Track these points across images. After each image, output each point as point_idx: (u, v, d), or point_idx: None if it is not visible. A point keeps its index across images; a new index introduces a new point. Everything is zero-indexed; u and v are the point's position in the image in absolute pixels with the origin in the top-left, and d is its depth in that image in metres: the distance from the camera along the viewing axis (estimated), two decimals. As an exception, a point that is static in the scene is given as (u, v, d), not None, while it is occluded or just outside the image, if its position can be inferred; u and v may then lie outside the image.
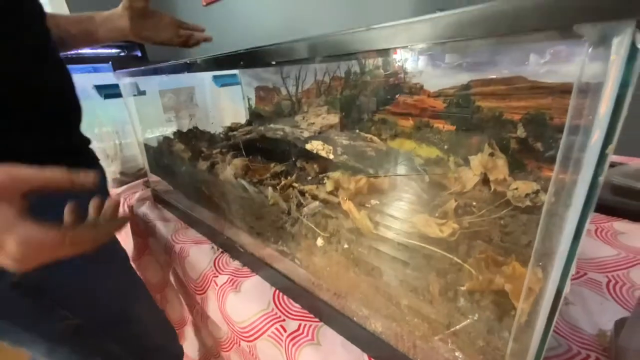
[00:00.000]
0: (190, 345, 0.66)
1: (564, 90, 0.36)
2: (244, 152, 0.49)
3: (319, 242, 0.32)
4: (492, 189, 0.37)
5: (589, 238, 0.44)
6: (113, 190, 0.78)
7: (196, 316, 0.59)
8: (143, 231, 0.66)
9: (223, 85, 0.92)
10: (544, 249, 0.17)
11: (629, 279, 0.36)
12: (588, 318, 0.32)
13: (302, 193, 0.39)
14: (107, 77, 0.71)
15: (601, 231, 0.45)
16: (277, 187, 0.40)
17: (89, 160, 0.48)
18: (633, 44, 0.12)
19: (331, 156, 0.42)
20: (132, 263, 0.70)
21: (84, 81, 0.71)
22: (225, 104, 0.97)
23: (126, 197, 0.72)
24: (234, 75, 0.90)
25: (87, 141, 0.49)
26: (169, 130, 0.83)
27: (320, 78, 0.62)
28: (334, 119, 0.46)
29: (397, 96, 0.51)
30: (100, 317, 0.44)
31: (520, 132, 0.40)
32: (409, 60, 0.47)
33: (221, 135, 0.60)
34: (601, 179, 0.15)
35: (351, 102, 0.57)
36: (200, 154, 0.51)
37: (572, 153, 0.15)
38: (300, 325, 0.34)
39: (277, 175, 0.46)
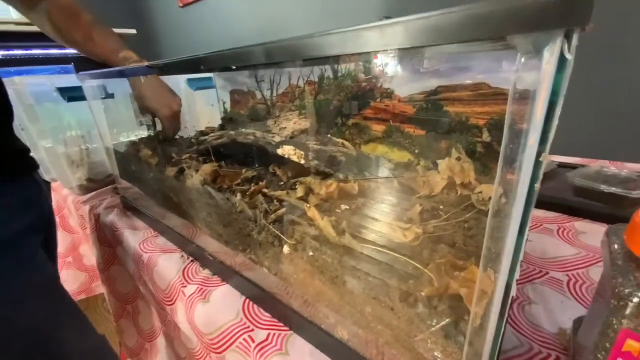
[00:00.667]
0: (162, 357, 0.63)
1: (523, 97, 0.37)
2: (213, 158, 0.47)
3: (286, 249, 0.31)
4: (459, 192, 0.38)
5: (550, 238, 0.46)
6: (78, 198, 0.74)
7: (168, 327, 0.57)
8: (110, 240, 0.64)
9: (198, 88, 0.90)
10: (490, 251, 0.17)
11: (589, 277, 0.37)
12: (549, 317, 0.33)
13: (271, 199, 0.38)
14: (72, 78, 0.68)
15: (562, 231, 0.47)
16: (246, 194, 0.39)
17: (25, 169, 0.46)
18: (562, 54, 0.12)
19: (302, 161, 0.42)
20: (99, 273, 0.67)
21: (46, 83, 0.67)
22: (200, 108, 0.95)
23: (93, 205, 0.69)
24: (209, 78, 0.88)
25: (25, 149, 0.47)
26: (142, 134, 0.80)
27: (295, 82, 0.62)
28: (305, 123, 0.46)
29: (369, 101, 0.52)
30: (18, 347, 0.40)
31: (485, 136, 0.41)
32: (381, 66, 0.48)
33: (192, 140, 0.58)
34: (537, 185, 0.15)
35: (324, 107, 0.57)
36: (169, 159, 0.50)
37: (512, 157, 0.15)
38: (269, 334, 0.33)
39: (248, 180, 0.45)
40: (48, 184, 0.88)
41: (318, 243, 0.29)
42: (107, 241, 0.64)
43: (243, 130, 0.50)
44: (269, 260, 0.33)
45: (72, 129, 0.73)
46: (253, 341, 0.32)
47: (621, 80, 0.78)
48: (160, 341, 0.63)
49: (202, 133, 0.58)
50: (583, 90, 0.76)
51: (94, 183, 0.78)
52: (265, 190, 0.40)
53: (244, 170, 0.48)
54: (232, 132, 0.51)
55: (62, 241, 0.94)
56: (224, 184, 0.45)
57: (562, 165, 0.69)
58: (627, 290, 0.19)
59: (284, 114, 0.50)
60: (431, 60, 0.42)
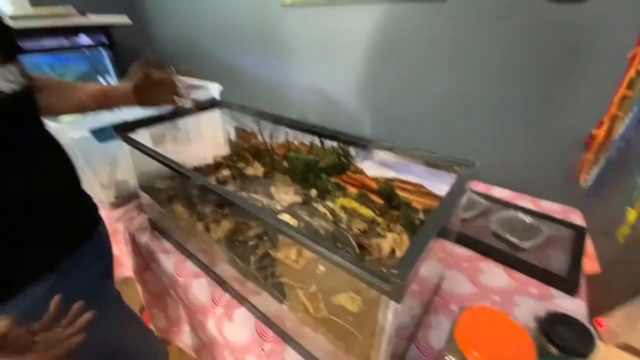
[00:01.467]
0: (187, 336, 0.86)
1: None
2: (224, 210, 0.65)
3: (283, 306, 0.51)
4: (398, 257, 0.58)
5: (461, 275, 0.68)
6: (111, 213, 0.91)
7: (193, 321, 0.79)
8: (146, 257, 0.82)
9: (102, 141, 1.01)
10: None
11: (471, 310, 0.60)
12: (439, 339, 0.55)
13: (273, 259, 0.58)
14: (103, 119, 0.81)
15: (471, 269, 0.69)
16: (256, 251, 0.58)
17: (91, 229, 0.61)
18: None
19: (295, 230, 0.61)
20: (134, 275, 0.87)
21: (83, 129, 0.80)
22: (207, 125, 1.08)
23: (125, 224, 0.86)
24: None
25: (92, 207, 0.61)
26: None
27: (290, 139, 0.78)
28: (298, 198, 0.64)
29: (346, 170, 0.69)
30: (107, 356, 0.60)
31: (421, 215, 0.61)
32: (357, 152, 0.65)
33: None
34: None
35: (313, 165, 0.75)
36: (197, 214, 0.67)
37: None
38: (272, 347, 0.54)
39: (257, 236, 0.64)
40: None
41: (300, 307, 0.49)
42: (142, 256, 0.83)
43: (253, 195, 0.67)
44: (270, 303, 0.54)
45: (102, 158, 0.87)
46: (263, 351, 0.54)
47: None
48: (186, 327, 0.86)
49: (219, 181, 0.74)
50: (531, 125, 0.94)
51: (121, 200, 0.94)
52: (269, 252, 0.59)
53: (252, 225, 0.66)
54: (245, 194, 0.68)
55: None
56: (240, 238, 0.64)
57: (495, 201, 0.90)
58: None
59: (281, 186, 0.67)
60: (391, 162, 0.59)
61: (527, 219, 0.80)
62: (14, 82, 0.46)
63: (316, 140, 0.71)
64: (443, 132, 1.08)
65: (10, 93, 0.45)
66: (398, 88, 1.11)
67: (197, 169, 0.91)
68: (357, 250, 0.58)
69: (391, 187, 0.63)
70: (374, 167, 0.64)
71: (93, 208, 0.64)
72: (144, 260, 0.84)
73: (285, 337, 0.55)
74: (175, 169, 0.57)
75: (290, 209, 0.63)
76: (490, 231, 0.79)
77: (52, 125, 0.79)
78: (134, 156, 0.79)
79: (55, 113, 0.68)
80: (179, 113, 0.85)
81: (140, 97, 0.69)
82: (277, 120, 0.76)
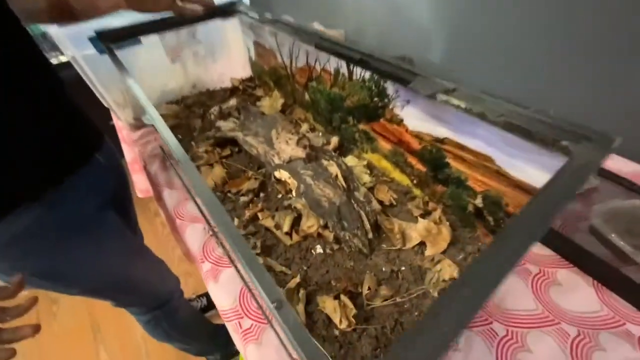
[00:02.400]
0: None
1: (520, 187, 0.34)
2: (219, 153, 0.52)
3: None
4: (425, 255, 0.41)
5: (521, 284, 0.48)
6: (131, 135, 0.86)
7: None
8: (156, 188, 0.78)
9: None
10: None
11: (524, 341, 0.42)
12: (465, 365, 0.41)
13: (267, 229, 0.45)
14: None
15: (539, 277, 0.48)
16: (242, 216, 0.46)
17: (87, 152, 0.53)
18: None
19: (293, 194, 0.46)
20: (157, 203, 0.86)
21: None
22: (228, 37, 0.90)
23: (140, 149, 0.81)
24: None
25: (88, 125, 0.53)
26: (176, 71, 0.82)
27: (312, 63, 0.56)
28: (300, 153, 0.46)
29: (379, 116, 0.48)
30: (105, 284, 0.60)
31: (479, 202, 0.40)
32: (399, 93, 0.43)
33: (212, 116, 0.61)
34: None
35: (337, 101, 0.54)
36: (188, 150, 0.56)
37: None
38: (252, 324, 0.46)
39: (251, 191, 0.51)
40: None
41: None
42: (154, 185, 0.79)
43: (248, 140, 0.51)
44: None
45: (109, 77, 0.78)
46: (241, 327, 0.46)
47: None
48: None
49: (221, 112, 0.60)
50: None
51: (140, 121, 0.88)
52: (260, 214, 0.46)
53: (248, 176, 0.53)
54: (240, 135, 0.53)
55: (127, 153, 1.14)
56: (231, 190, 0.51)
57: (610, 178, 0.60)
58: None
59: (285, 134, 0.50)
60: (448, 113, 0.37)
61: (662, 216, 0.52)
62: None
63: (343, 67, 0.49)
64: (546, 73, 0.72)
65: None
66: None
67: (209, 93, 0.77)
68: (370, 234, 0.42)
69: (439, 152, 0.41)
70: (420, 117, 0.42)
71: (88, 135, 0.56)
72: (156, 189, 0.80)
73: (266, 317, 0.46)
74: (143, 104, 0.43)
75: (290, 165, 0.47)
76: (589, 226, 0.53)
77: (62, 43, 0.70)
78: (136, 73, 0.68)
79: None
80: (183, 20, 0.67)
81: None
82: (296, 31, 0.54)
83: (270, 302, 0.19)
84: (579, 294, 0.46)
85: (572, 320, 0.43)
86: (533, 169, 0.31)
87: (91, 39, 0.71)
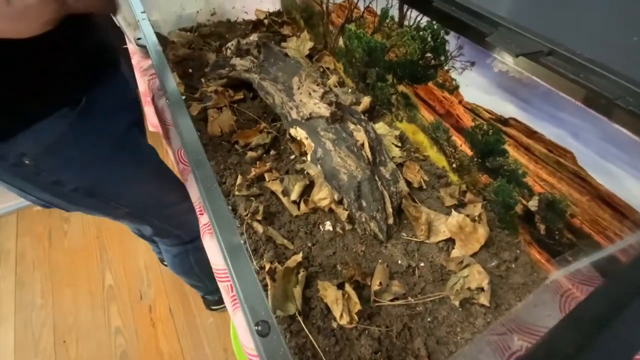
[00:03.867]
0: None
1: (603, 199, 0.26)
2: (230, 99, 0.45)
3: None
4: (451, 254, 0.34)
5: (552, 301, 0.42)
6: (141, 62, 0.78)
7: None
8: (164, 125, 0.72)
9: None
10: None
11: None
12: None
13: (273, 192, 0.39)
14: None
15: (571, 299, 0.42)
16: (246, 173, 0.40)
17: (111, 69, 0.50)
18: None
19: (308, 157, 0.39)
20: (164, 140, 0.81)
21: None
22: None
23: (149, 79, 0.74)
24: None
25: (108, 46, 0.49)
26: None
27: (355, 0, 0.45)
28: (325, 110, 0.37)
29: (429, 77, 0.39)
30: (143, 206, 0.61)
31: (533, 204, 0.32)
32: (464, 50, 0.33)
33: (228, 51, 0.52)
34: None
35: (377, 51, 0.44)
36: (195, 90, 0.48)
37: None
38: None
39: (261, 145, 0.44)
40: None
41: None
42: (161, 119, 0.73)
43: (264, 84, 0.43)
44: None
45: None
46: (231, 291, 0.43)
47: None
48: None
49: (239, 48, 0.50)
50: None
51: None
52: (267, 175, 0.40)
53: (260, 128, 0.46)
54: (256, 77, 0.45)
55: (140, 83, 1.07)
56: (239, 141, 0.45)
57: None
58: None
59: (310, 84, 0.41)
60: (526, 87, 0.28)
61: None
62: None
63: (395, 8, 0.39)
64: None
65: None
66: None
67: (228, 24, 0.67)
68: (391, 219, 0.36)
69: (498, 134, 0.32)
70: (484, 87, 0.32)
71: (105, 50, 0.50)
72: (164, 125, 0.74)
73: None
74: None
75: (310, 122, 0.39)
76: None
77: None
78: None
79: None
80: None
81: None
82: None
83: (253, 323, 0.14)
84: None
85: None
86: (634, 180, 0.23)
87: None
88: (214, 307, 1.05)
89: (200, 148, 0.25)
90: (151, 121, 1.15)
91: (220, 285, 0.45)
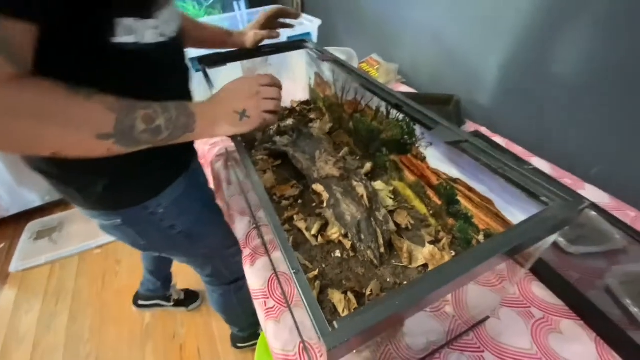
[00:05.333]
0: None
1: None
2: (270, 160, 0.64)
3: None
4: (427, 276, 0.47)
5: (521, 323, 0.51)
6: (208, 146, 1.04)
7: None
8: (218, 181, 0.94)
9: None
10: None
11: (510, 372, 0.46)
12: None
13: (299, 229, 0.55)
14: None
15: (542, 323, 0.51)
16: (282, 215, 0.57)
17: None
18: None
19: (324, 204, 0.56)
20: (216, 194, 1.02)
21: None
22: (294, 65, 1.05)
23: (209, 148, 0.98)
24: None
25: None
26: None
27: (358, 99, 0.67)
28: (335, 172, 0.56)
29: (407, 150, 0.56)
30: (215, 246, 0.77)
31: (481, 238, 0.46)
32: (425, 135, 0.51)
33: (271, 131, 0.75)
34: None
35: (374, 132, 0.63)
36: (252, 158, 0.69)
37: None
38: (274, 305, 0.56)
39: (292, 196, 0.62)
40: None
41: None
42: (216, 180, 0.95)
43: (296, 155, 0.63)
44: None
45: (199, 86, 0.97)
46: (265, 305, 0.56)
47: None
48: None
49: (279, 130, 0.73)
50: None
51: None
52: (295, 216, 0.57)
53: (292, 184, 0.64)
54: (290, 150, 0.65)
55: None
56: (277, 193, 0.63)
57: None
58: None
59: (326, 155, 0.60)
60: (465, 160, 0.44)
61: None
62: (177, 20, 0.48)
63: (384, 107, 0.59)
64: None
65: (176, 32, 0.48)
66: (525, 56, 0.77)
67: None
68: (382, 249, 0.50)
69: (452, 189, 0.48)
70: (440, 158, 0.49)
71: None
72: (218, 182, 0.96)
73: (287, 303, 0.55)
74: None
75: (326, 181, 0.57)
76: (604, 284, 0.54)
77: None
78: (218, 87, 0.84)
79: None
80: (264, 50, 0.83)
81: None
82: (350, 71, 0.65)
83: (291, 268, 0.29)
84: (578, 345, 0.48)
85: (565, 366, 0.46)
86: (522, 215, 0.37)
87: (191, 59, 0.90)
88: (240, 345, 1.13)
89: (270, 204, 0.39)
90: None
91: (256, 302, 0.59)
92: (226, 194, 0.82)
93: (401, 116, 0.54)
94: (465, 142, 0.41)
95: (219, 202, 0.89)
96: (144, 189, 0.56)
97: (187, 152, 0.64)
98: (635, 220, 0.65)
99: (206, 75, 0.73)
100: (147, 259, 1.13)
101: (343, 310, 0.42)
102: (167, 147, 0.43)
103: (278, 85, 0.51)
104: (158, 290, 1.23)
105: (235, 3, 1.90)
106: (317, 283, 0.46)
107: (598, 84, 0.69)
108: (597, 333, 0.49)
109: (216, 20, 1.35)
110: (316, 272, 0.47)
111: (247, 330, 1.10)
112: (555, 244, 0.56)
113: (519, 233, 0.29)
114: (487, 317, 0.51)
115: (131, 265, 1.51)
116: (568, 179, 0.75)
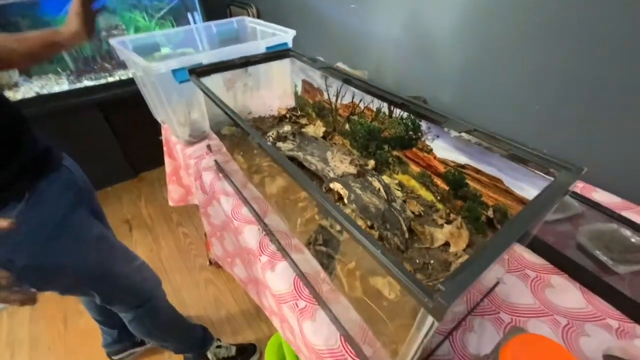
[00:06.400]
0: (239, 268, 0.97)
1: (522, 202, 0.47)
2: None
3: (321, 272, 0.52)
4: (449, 252, 0.53)
5: (522, 284, 0.60)
6: (185, 150, 1.00)
7: (244, 260, 0.87)
8: (209, 194, 0.91)
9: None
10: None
11: (525, 326, 0.54)
12: (478, 344, 0.51)
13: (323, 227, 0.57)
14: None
15: (537, 281, 0.60)
16: (302, 218, 0.59)
17: (53, 164, 0.66)
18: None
19: (345, 200, 0.59)
20: (200, 208, 0.98)
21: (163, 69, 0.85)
22: (274, 74, 1.06)
23: (195, 161, 0.95)
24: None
25: (47, 147, 0.66)
26: (230, 98, 0.98)
27: (356, 101, 0.71)
28: (352, 169, 0.60)
29: (413, 145, 0.62)
30: (90, 278, 0.72)
31: (490, 213, 0.53)
32: (430, 128, 0.57)
33: (270, 138, 0.76)
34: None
35: (376, 132, 0.69)
36: (255, 165, 0.69)
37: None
38: (306, 305, 0.57)
39: (306, 198, 0.64)
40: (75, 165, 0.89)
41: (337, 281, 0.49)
42: (207, 192, 0.92)
43: (308, 157, 0.65)
44: (311, 265, 0.55)
45: (180, 97, 0.94)
46: (297, 307, 0.57)
47: None
48: (238, 260, 0.96)
49: (279, 136, 0.74)
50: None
51: (194, 138, 1.03)
52: (316, 216, 0.59)
53: (305, 186, 0.66)
54: (300, 154, 0.67)
55: (168, 165, 1.27)
56: (291, 197, 0.64)
57: (592, 207, 0.73)
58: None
59: (339, 155, 0.64)
60: (468, 146, 0.51)
61: (634, 237, 0.64)
62: None
63: (385, 107, 0.64)
64: (539, 119, 0.88)
65: None
66: (494, 54, 0.91)
67: (260, 119, 0.93)
68: (407, 234, 0.54)
69: (460, 174, 0.55)
70: (446, 148, 0.56)
71: (54, 153, 0.69)
72: (208, 196, 0.92)
73: (319, 300, 0.57)
74: (234, 120, 0.57)
75: (342, 179, 0.60)
76: (576, 242, 0.66)
77: (139, 62, 0.86)
78: (205, 99, 0.83)
79: (5, 67, 0.67)
80: (252, 60, 0.84)
81: (88, 28, 0.70)
82: (346, 79, 0.69)
83: (376, 249, 0.32)
84: (568, 294, 0.58)
85: (563, 313, 0.55)
86: (530, 188, 0.45)
87: (173, 71, 0.87)
88: None
89: (315, 187, 0.42)
90: (173, 197, 1.33)
91: (285, 306, 0.59)
92: (225, 206, 0.80)
93: (405, 115, 0.60)
94: (474, 130, 0.48)
95: (204, 218, 0.86)
96: None
97: (14, 169, 0.57)
98: (584, 189, 0.79)
99: (202, 87, 0.72)
100: (90, 308, 1.03)
101: (389, 293, 0.46)
102: None
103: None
104: (122, 340, 1.13)
105: (189, 15, 1.85)
106: (358, 273, 0.49)
107: (549, 80, 0.84)
108: (580, 283, 0.60)
109: (171, 34, 1.29)
110: (353, 264, 0.50)
111: (188, 350, 1.07)
112: (600, 264, 0.65)
113: (543, 201, 0.36)
114: (498, 283, 0.58)
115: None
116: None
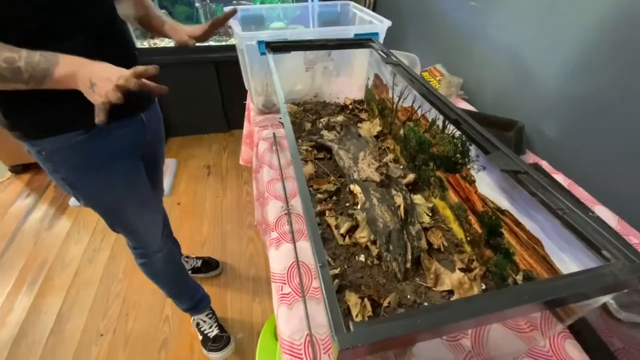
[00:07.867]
0: (267, 237, 1.03)
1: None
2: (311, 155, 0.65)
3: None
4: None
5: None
6: (255, 117, 1.08)
7: (264, 229, 0.92)
8: (260, 162, 0.97)
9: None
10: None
11: None
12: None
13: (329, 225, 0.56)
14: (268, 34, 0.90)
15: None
16: (314, 207, 0.58)
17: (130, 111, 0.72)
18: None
19: (359, 206, 0.55)
20: (253, 173, 1.06)
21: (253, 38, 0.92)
22: (355, 63, 1.04)
23: (259, 130, 1.02)
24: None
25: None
26: (306, 78, 1.01)
27: (415, 107, 0.65)
28: (376, 177, 0.55)
29: (458, 170, 0.54)
30: (111, 211, 0.80)
31: (519, 278, 0.42)
32: (479, 158, 0.48)
33: (320, 124, 0.76)
34: None
35: (425, 144, 0.61)
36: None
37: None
38: (290, 292, 0.57)
39: (327, 191, 0.62)
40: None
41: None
42: (259, 159, 0.99)
43: (340, 152, 0.63)
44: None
45: (262, 67, 1.01)
46: (281, 290, 0.58)
47: None
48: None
49: (328, 124, 0.73)
50: None
51: (266, 108, 1.10)
52: (327, 212, 0.57)
53: (330, 179, 0.64)
54: (335, 146, 0.65)
55: (245, 128, 1.40)
56: (313, 185, 0.64)
57: None
58: None
59: (371, 159, 0.59)
60: (519, 192, 0.41)
61: None
62: None
63: (440, 120, 0.56)
64: None
65: None
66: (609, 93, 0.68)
67: (323, 104, 0.93)
68: (409, 264, 0.48)
69: (498, 221, 0.45)
70: (490, 185, 0.46)
71: (136, 99, 0.67)
72: (259, 163, 0.99)
73: (302, 294, 0.56)
74: (277, 98, 0.59)
75: (364, 183, 0.56)
76: (608, 311, 0.48)
77: (236, 30, 0.95)
78: (278, 73, 0.87)
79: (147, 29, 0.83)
80: (330, 44, 0.83)
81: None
82: (411, 79, 0.63)
83: (318, 261, 0.29)
84: None
85: None
86: (574, 265, 0.34)
87: (259, 42, 0.93)
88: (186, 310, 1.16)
89: (308, 196, 0.40)
90: (243, 157, 1.45)
91: (273, 285, 0.60)
92: (265, 177, 0.85)
93: (457, 133, 0.52)
94: (524, 173, 0.38)
95: (254, 182, 0.92)
96: (30, 126, 0.60)
97: (87, 109, 0.54)
98: None
99: (270, 59, 0.76)
100: None
101: (357, 315, 0.42)
102: (55, 96, 0.52)
103: (126, 88, 0.50)
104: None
105: (309, -7, 1.93)
106: (336, 282, 0.46)
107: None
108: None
109: (289, 9, 1.38)
110: (337, 271, 0.47)
111: (178, 298, 1.13)
112: (604, 305, 0.50)
113: (568, 284, 0.27)
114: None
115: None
116: (635, 238, 0.67)
